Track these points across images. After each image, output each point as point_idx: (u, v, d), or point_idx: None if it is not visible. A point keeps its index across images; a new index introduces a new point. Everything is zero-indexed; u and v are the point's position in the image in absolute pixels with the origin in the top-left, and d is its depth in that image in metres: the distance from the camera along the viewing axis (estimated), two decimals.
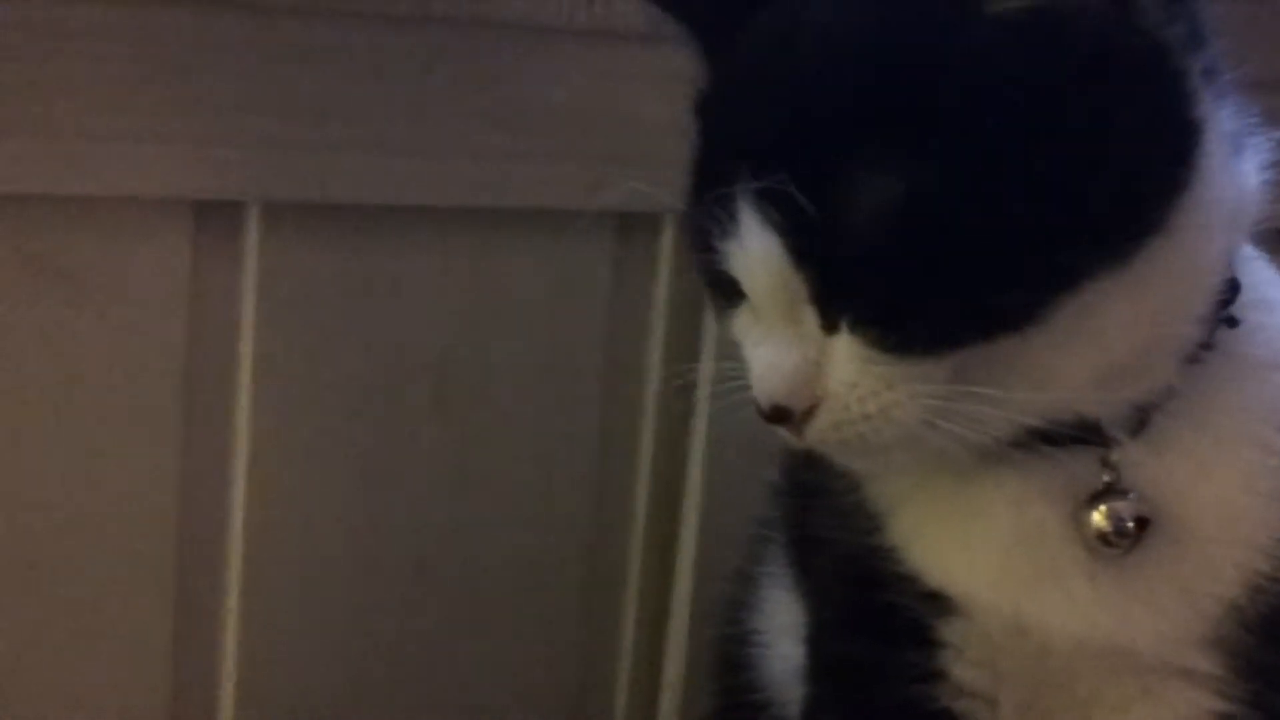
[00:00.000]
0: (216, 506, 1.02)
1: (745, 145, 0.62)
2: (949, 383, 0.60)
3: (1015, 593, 0.66)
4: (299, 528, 1.04)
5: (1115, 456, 0.65)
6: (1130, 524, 0.64)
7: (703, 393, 1.15)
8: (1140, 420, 0.64)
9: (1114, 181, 0.58)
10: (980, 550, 0.66)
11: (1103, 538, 0.64)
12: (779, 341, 0.63)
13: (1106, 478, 0.65)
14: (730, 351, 0.69)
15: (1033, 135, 0.57)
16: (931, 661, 0.69)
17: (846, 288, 0.60)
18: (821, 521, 0.72)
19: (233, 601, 1.03)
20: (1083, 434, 0.63)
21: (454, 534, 1.12)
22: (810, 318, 0.62)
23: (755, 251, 0.62)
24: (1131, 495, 0.64)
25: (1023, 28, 0.58)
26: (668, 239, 1.16)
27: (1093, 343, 0.61)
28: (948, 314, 0.59)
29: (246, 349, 1.00)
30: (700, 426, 1.17)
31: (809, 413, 0.62)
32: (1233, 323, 0.66)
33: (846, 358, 0.61)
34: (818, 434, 0.63)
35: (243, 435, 1.01)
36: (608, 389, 1.17)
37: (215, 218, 0.97)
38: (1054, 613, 0.65)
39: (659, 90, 1.08)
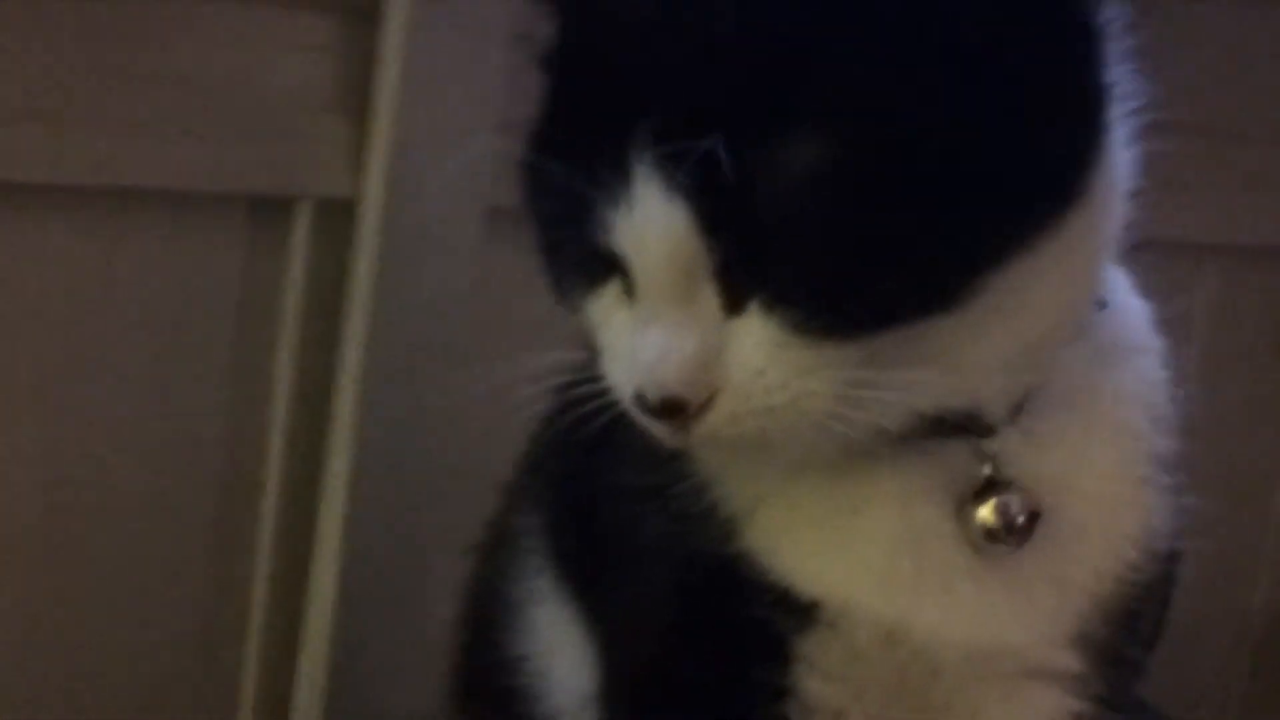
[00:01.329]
0: None
1: (643, 98, 0.55)
2: (861, 368, 0.55)
3: (900, 597, 0.61)
4: None
5: (992, 446, 0.61)
6: (1021, 518, 0.61)
7: (346, 393, 1.08)
8: (1015, 407, 0.61)
9: (1043, 143, 0.55)
10: (861, 553, 0.62)
11: (990, 534, 0.61)
12: (672, 324, 0.56)
13: (987, 470, 0.61)
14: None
15: (961, 95, 0.53)
16: (782, 678, 0.63)
17: (763, 263, 0.54)
18: (648, 528, 0.65)
19: None
20: (959, 422, 0.60)
21: (57, 540, 1.03)
22: (710, 297, 0.56)
23: (652, 220, 0.55)
24: (1017, 487, 0.61)
25: None
26: (303, 225, 1.08)
27: (1012, 323, 0.57)
28: (877, 292, 0.54)
29: None
30: (343, 428, 1.09)
31: (704, 405, 0.56)
32: (1102, 304, 0.64)
33: (755, 342, 0.55)
34: (710, 429, 0.56)
35: None
36: (236, 386, 1.09)
37: None
38: (938, 617, 0.61)
39: (298, 60, 1.03)
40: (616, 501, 0.67)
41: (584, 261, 0.59)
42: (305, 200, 1.07)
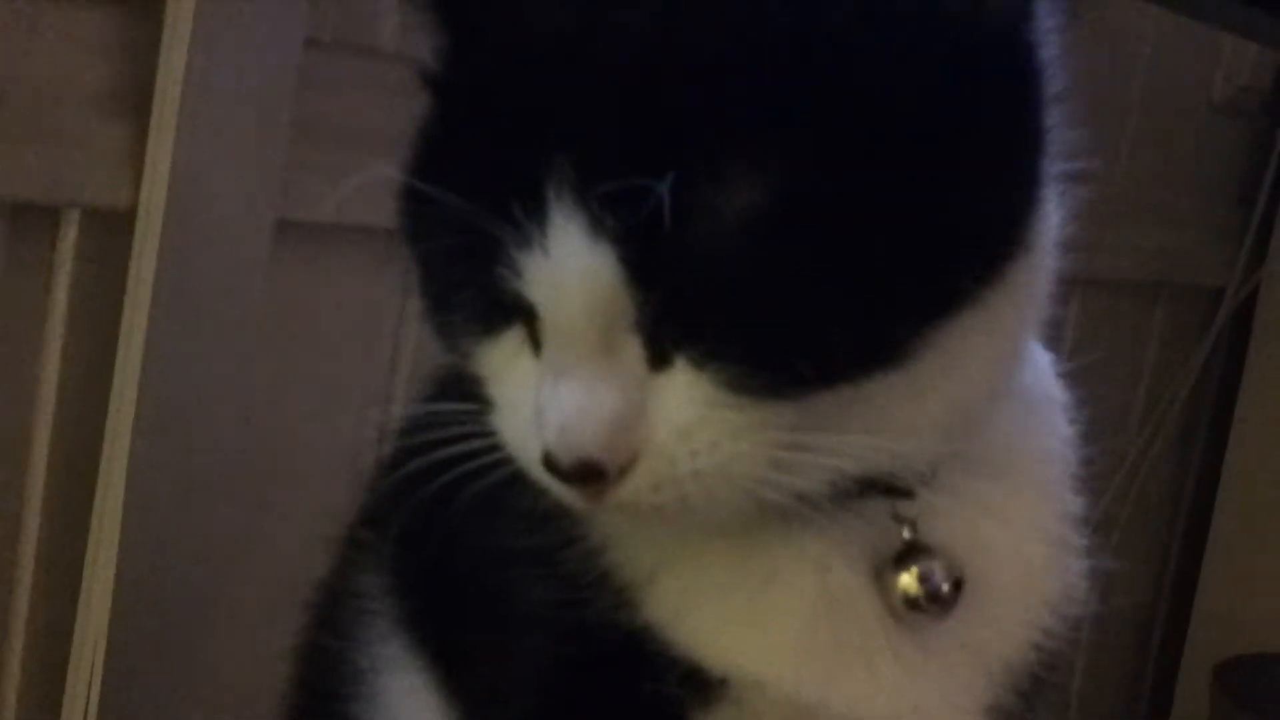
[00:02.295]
0: None
1: (562, 128, 0.49)
2: (796, 430, 0.50)
3: (816, 672, 0.57)
4: None
5: (911, 509, 0.57)
6: (945, 586, 0.57)
7: (120, 415, 0.98)
8: (933, 468, 0.57)
9: (990, 188, 0.52)
10: (775, 624, 0.57)
11: (912, 603, 0.57)
12: (590, 380, 0.50)
13: (906, 534, 0.57)
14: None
15: (907, 138, 0.49)
16: None
17: (694, 314, 0.49)
18: (528, 595, 0.59)
19: None
20: (879, 484, 0.56)
21: None
22: (633, 350, 0.50)
23: (572, 266, 0.49)
24: (939, 553, 0.57)
25: (899, 14, 0.50)
26: (70, 236, 0.98)
27: (953, 379, 0.53)
28: (818, 349, 0.49)
29: None
30: (118, 456, 0.99)
31: (623, 468, 0.50)
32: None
33: (682, 400, 0.50)
34: (628, 496, 0.51)
35: None
36: None
37: None
38: (856, 691, 0.57)
39: (70, 55, 0.93)
40: (490, 564, 0.60)
41: (481, 305, 0.53)
42: (74, 209, 0.98)
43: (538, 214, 0.49)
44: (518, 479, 0.55)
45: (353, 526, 0.72)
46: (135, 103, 0.97)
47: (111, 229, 0.98)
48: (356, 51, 1.06)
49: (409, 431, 0.63)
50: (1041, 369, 0.63)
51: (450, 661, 0.63)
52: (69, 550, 1.01)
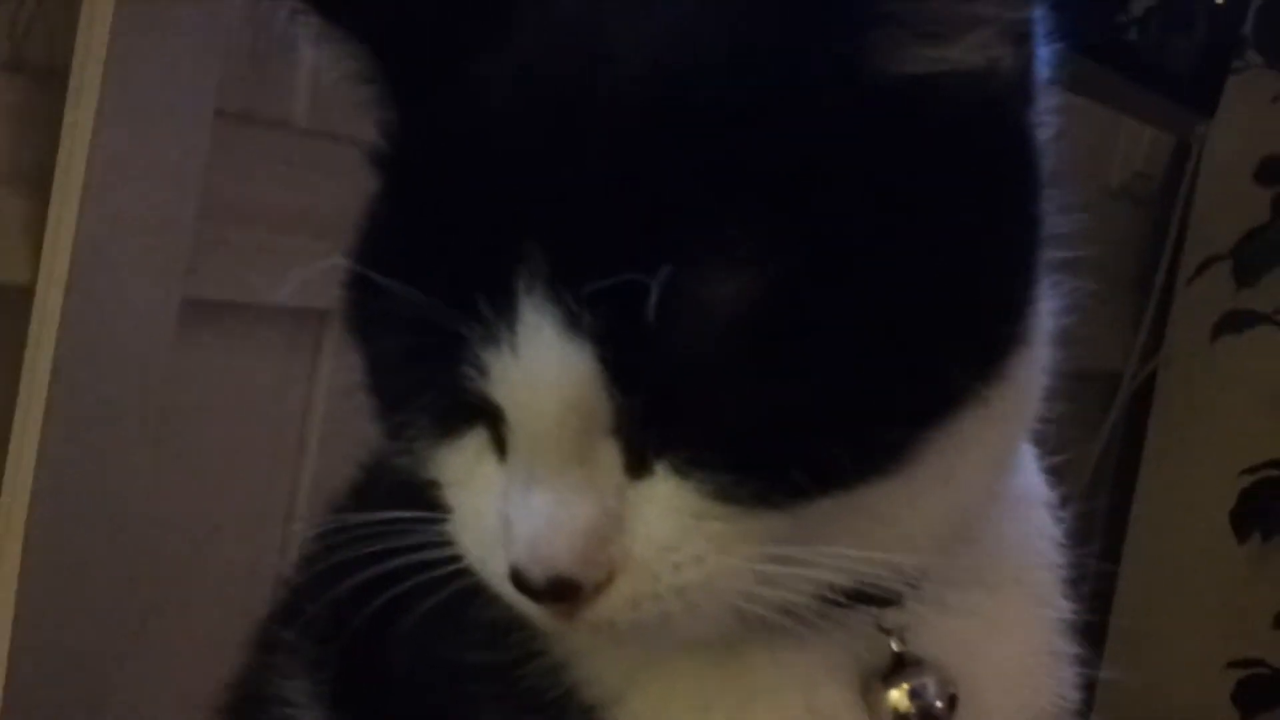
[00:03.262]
0: None
1: (533, 219, 0.45)
2: (786, 542, 0.47)
3: None
4: None
5: (899, 619, 0.54)
6: (939, 703, 0.54)
7: (15, 502, 0.93)
8: (920, 573, 0.53)
9: (987, 283, 0.49)
10: None
11: None
12: (563, 489, 0.46)
13: (894, 645, 0.54)
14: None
15: (905, 230, 0.47)
16: None
17: (677, 418, 0.46)
18: (485, 714, 0.54)
19: None
20: (863, 594, 0.52)
21: None
22: (610, 455, 0.47)
23: (545, 366, 0.45)
24: (930, 667, 0.54)
25: (902, 99, 0.47)
26: None
27: (952, 483, 0.50)
28: (811, 454, 0.46)
29: None
30: (12, 544, 0.93)
31: (600, 586, 0.46)
32: None
33: (664, 510, 0.47)
34: (605, 614, 0.47)
35: None
36: None
37: None
38: None
39: None
40: (440, 679, 0.56)
41: (439, 406, 0.49)
42: None
43: (506, 309, 0.46)
44: (473, 589, 0.52)
45: (269, 626, 0.67)
46: (36, 174, 0.92)
47: (10, 306, 0.93)
48: (269, 125, 1.02)
49: (337, 532, 0.59)
50: (1028, 466, 0.60)
51: None
52: None
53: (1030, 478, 0.60)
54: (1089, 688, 0.60)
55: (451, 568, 0.51)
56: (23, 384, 0.94)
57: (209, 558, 1.05)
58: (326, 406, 1.10)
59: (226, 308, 1.03)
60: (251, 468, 1.08)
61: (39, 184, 0.92)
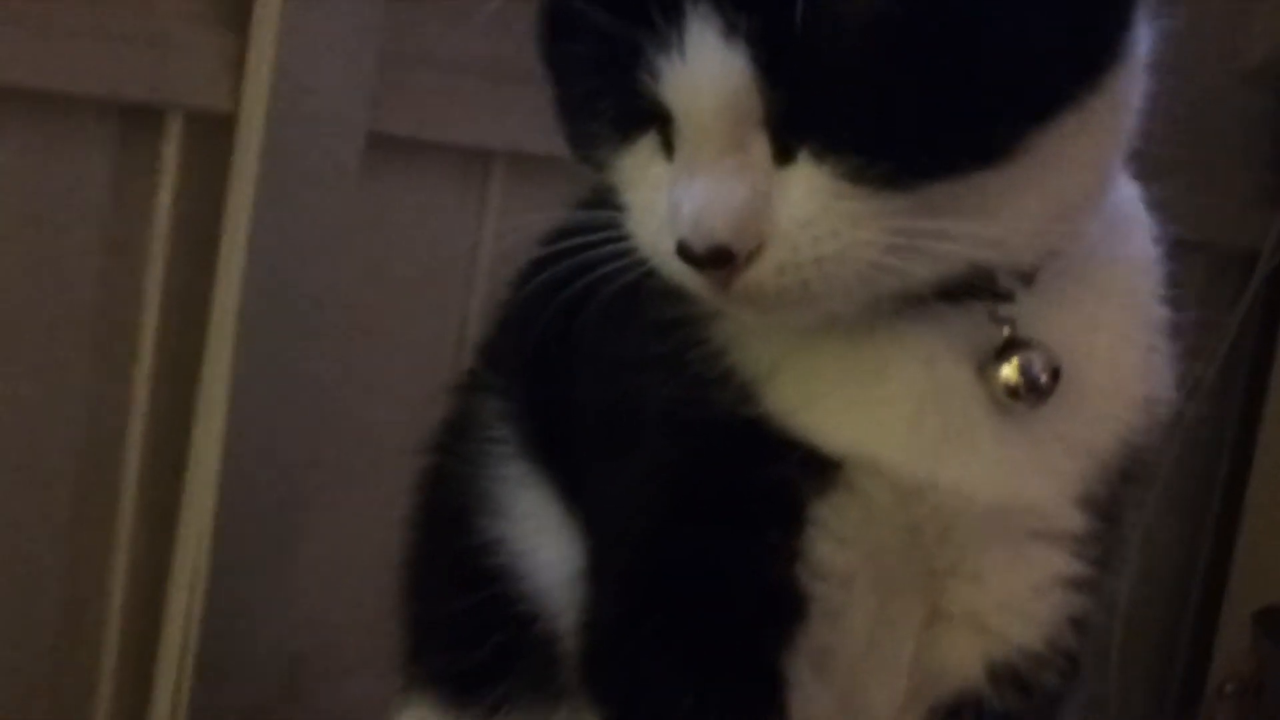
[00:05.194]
0: None
1: None
2: (910, 218, 0.55)
3: (925, 454, 0.61)
4: None
5: (1010, 310, 0.62)
6: (1043, 376, 0.61)
7: (221, 305, 1.04)
8: (1031, 273, 0.61)
9: (1087, 6, 0.56)
10: (886, 412, 0.61)
11: (1012, 391, 0.61)
12: (721, 174, 0.54)
13: (1007, 331, 0.62)
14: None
15: None
16: (796, 542, 0.62)
17: (819, 110, 0.54)
18: (654, 397, 0.63)
19: None
20: (977, 286, 0.60)
21: None
22: (761, 145, 0.55)
23: (709, 67, 0.53)
24: (1038, 346, 0.61)
25: None
26: (174, 137, 1.04)
27: (1052, 180, 0.58)
28: (929, 143, 0.54)
29: None
30: (219, 348, 1.05)
31: (751, 255, 0.55)
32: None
33: (805, 191, 0.54)
34: (755, 281, 0.55)
35: None
36: (103, 297, 1.05)
37: None
38: (961, 474, 0.61)
39: None
40: (616, 373, 0.65)
41: (618, 112, 0.58)
42: (178, 111, 1.04)
43: (676, 20, 0.53)
44: (648, 291, 0.60)
45: (471, 370, 0.77)
46: (237, 12, 1.02)
47: (214, 132, 1.04)
48: None
49: (546, 241, 0.68)
50: (1129, 196, 0.67)
51: (575, 470, 0.68)
52: (176, 433, 1.07)
53: (1132, 204, 0.67)
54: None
55: (629, 260, 0.59)
56: (229, 200, 1.04)
57: (386, 368, 1.15)
58: (493, 241, 1.19)
59: (405, 143, 1.13)
60: (424, 291, 1.17)
61: (240, 19, 1.02)
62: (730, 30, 0.53)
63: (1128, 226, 0.66)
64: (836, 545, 0.63)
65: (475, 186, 1.18)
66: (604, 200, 0.61)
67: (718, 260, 0.55)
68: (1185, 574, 2.06)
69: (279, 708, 1.11)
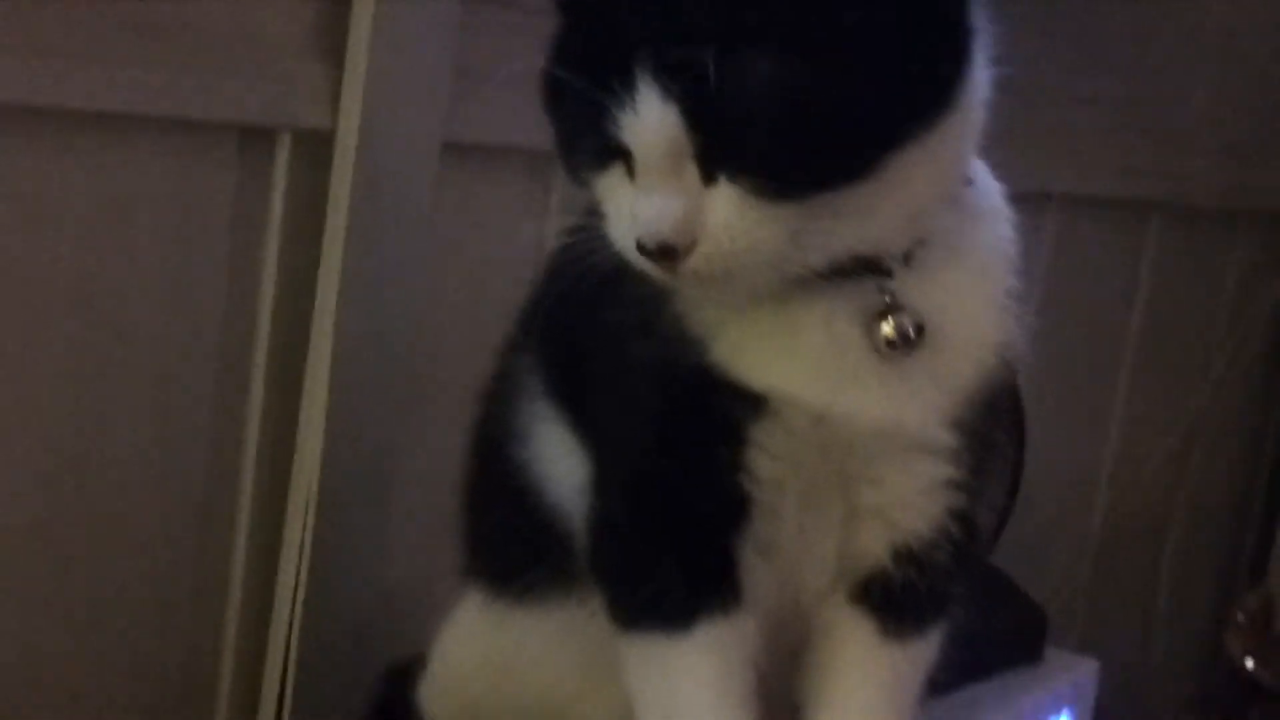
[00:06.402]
0: None
1: (643, 26, 0.74)
2: (799, 221, 0.75)
3: (825, 390, 0.82)
4: None
5: (891, 284, 0.82)
6: (912, 331, 0.82)
7: (325, 300, 1.23)
8: (909, 255, 0.82)
9: (928, 66, 0.76)
10: (797, 359, 0.82)
11: (890, 344, 0.82)
12: (665, 193, 0.75)
13: (887, 299, 0.82)
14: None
15: (876, 30, 0.73)
16: (739, 457, 0.84)
17: (731, 147, 0.74)
18: (635, 351, 0.85)
19: None
20: (867, 266, 0.81)
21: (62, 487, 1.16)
22: (692, 172, 0.75)
23: (652, 119, 0.74)
24: (909, 309, 0.82)
25: None
26: (285, 153, 1.22)
27: (905, 190, 0.78)
28: (811, 167, 0.75)
29: None
30: (323, 330, 1.24)
31: (688, 249, 0.76)
32: (969, 181, 0.85)
33: (725, 204, 0.75)
34: (692, 268, 0.76)
35: None
36: (228, 294, 1.23)
37: None
38: (853, 405, 0.82)
39: (284, 6, 1.18)
40: (609, 333, 0.87)
41: (596, 150, 0.78)
42: (287, 131, 1.22)
43: (629, 86, 0.73)
44: (628, 273, 0.81)
45: (510, 333, 1.00)
46: (333, 43, 1.21)
47: (318, 148, 1.22)
48: (504, 5, 1.29)
49: (565, 235, 0.91)
50: (991, 190, 0.88)
51: (583, 408, 0.91)
52: (285, 414, 1.27)
53: (991, 198, 0.88)
54: None
55: (610, 252, 0.81)
56: (329, 207, 1.23)
57: (458, 354, 1.32)
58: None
59: (475, 149, 1.31)
60: (495, 281, 1.33)
61: (335, 51, 1.21)
62: (666, 93, 0.73)
63: (984, 216, 0.87)
64: (770, 459, 0.84)
65: (539, 189, 1.37)
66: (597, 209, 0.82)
67: (665, 254, 0.76)
68: (1241, 505, 2.19)
69: (377, 635, 1.29)
